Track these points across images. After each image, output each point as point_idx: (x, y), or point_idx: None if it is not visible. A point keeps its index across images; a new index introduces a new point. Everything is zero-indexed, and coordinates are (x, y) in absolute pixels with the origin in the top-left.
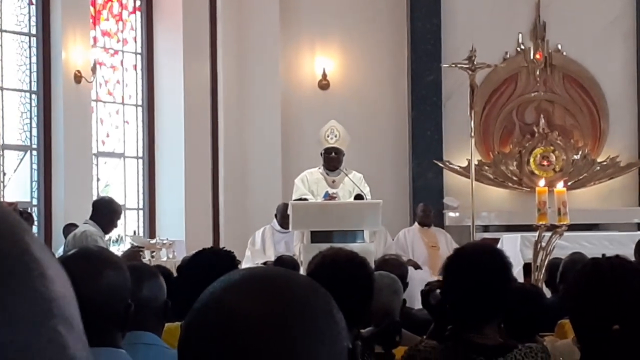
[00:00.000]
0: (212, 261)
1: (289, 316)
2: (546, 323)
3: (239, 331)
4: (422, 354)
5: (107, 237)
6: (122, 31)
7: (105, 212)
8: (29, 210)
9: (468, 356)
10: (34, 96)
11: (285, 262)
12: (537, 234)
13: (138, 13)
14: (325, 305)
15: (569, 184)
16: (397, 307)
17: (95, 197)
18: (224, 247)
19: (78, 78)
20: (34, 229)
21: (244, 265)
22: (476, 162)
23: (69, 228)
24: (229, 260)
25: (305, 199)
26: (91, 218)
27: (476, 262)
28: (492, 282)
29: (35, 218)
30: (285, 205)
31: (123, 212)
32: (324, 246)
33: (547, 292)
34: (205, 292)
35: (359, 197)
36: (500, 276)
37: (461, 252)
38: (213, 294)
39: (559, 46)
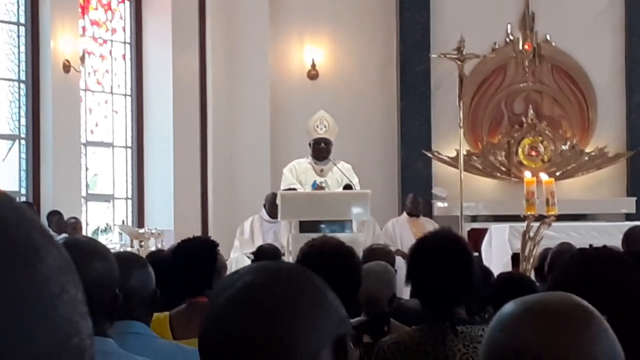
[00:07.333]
0: (194, 250)
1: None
2: None
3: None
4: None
5: (95, 226)
6: (111, 20)
7: None
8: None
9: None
10: (22, 85)
11: (266, 252)
12: (525, 224)
13: (127, 2)
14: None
15: (557, 174)
16: (385, 297)
17: (84, 187)
18: (206, 236)
19: (67, 67)
20: None
21: (233, 254)
22: (465, 153)
23: (52, 216)
24: (208, 247)
25: (294, 189)
26: None
27: (438, 253)
28: (455, 271)
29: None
30: (274, 195)
31: (112, 201)
32: (313, 236)
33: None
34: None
35: (347, 187)
36: (463, 264)
37: (423, 242)
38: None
39: (548, 37)
